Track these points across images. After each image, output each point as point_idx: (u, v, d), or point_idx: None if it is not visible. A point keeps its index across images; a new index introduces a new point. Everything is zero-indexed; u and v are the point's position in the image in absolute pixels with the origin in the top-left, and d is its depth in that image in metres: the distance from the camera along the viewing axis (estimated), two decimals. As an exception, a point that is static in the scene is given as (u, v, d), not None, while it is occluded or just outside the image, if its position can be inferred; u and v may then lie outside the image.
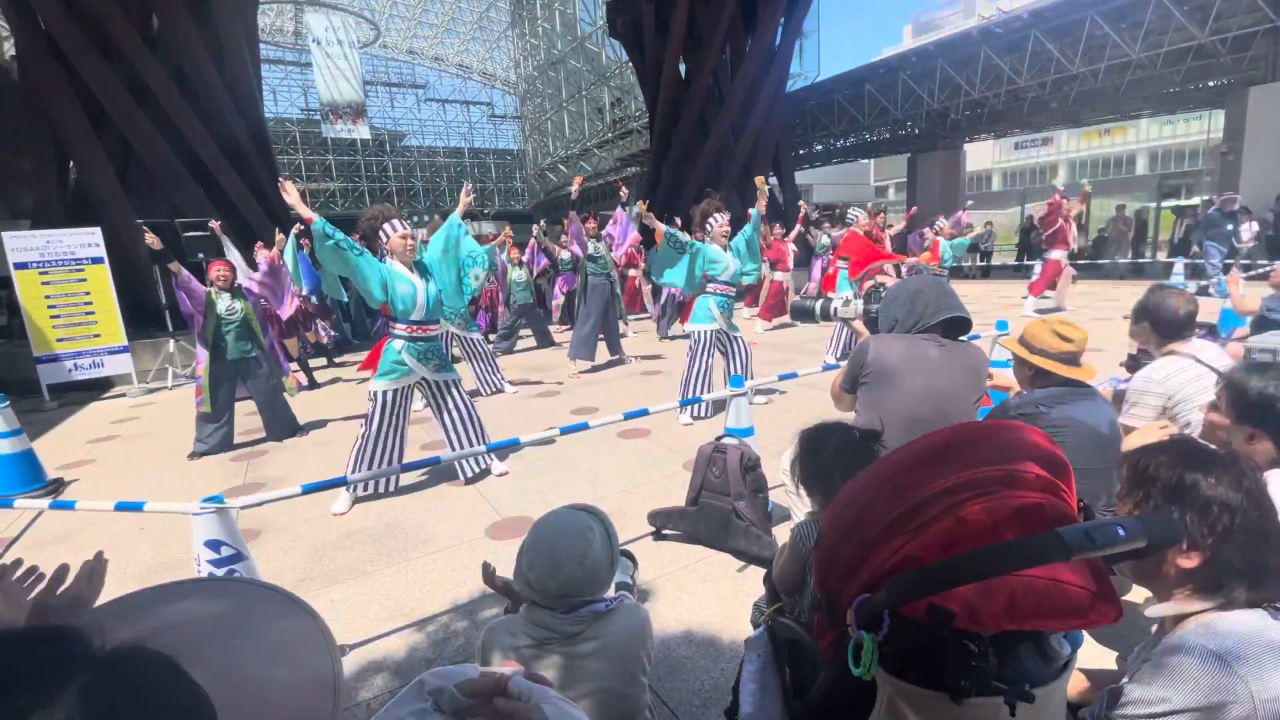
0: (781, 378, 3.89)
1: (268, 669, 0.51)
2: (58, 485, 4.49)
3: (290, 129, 32.97)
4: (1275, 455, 1.42)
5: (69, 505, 2.22)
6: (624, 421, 3.61)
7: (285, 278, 6.54)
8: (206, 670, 0.43)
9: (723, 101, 15.62)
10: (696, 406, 4.92)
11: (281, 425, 5.25)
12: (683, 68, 16.11)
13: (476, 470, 4.02)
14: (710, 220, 4.90)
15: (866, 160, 32.61)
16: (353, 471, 3.62)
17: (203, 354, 4.90)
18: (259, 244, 7.20)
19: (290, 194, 3.33)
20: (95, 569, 1.41)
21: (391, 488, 3.90)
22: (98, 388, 7.89)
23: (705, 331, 4.88)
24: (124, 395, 7.63)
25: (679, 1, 14.77)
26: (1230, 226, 9.53)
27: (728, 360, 5.04)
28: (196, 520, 2.01)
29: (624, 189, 7.71)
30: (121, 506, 2.05)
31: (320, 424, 5.63)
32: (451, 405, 3.90)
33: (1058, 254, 8.94)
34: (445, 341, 5.99)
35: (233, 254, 6.22)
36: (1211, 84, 14.03)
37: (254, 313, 5.17)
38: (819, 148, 22.38)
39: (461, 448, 3.83)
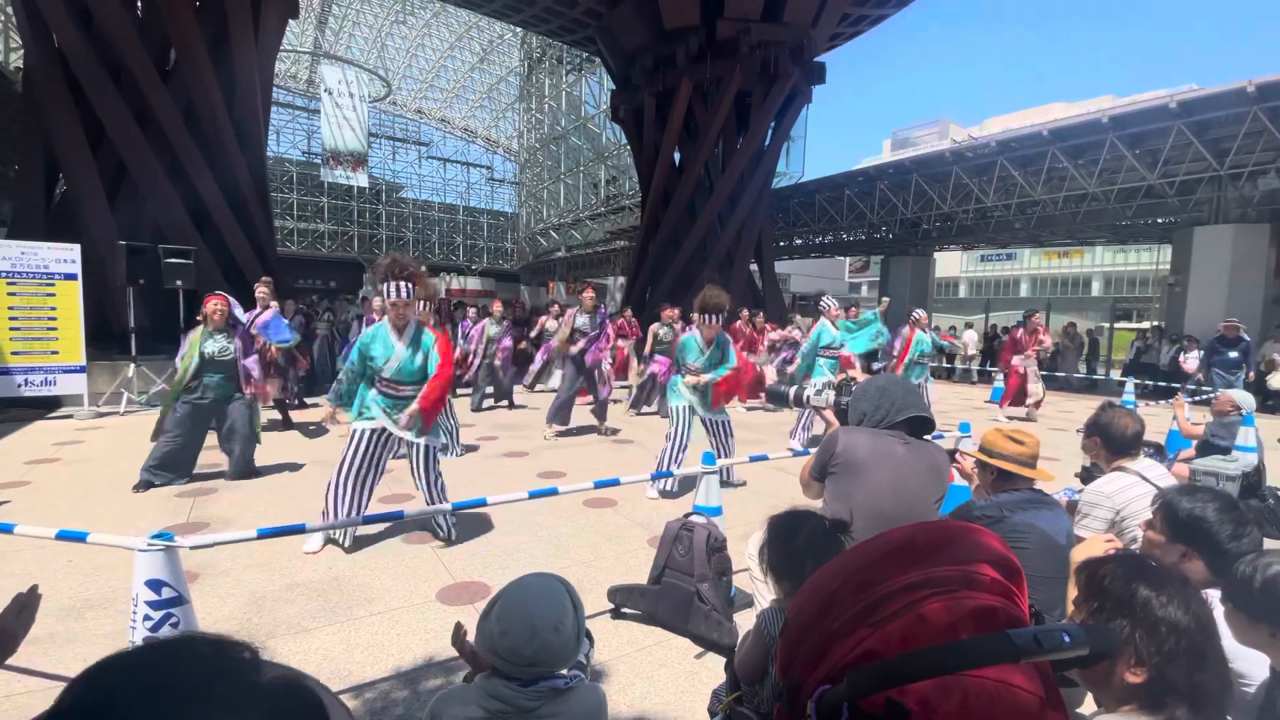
0: (753, 459, 3.93)
1: None
2: (-13, 506, 4.22)
3: (289, 168, 33.48)
4: (1207, 575, 1.48)
5: (7, 529, 2.08)
6: (592, 490, 3.58)
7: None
8: None
9: (712, 191, 16.49)
10: (665, 482, 4.88)
11: (241, 467, 5.02)
12: (677, 156, 17.10)
13: (450, 530, 3.88)
14: (705, 316, 4.89)
15: (843, 258, 34.39)
16: (332, 507, 3.65)
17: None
18: (264, 280, 7.07)
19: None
20: (27, 604, 1.31)
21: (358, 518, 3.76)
22: (46, 406, 7.55)
23: (682, 408, 4.95)
24: (71, 416, 7.31)
25: (679, 97, 15.88)
26: (1233, 354, 9.05)
27: (709, 438, 5.03)
28: (141, 557, 1.90)
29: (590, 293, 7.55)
30: (64, 535, 1.94)
31: (275, 468, 5.41)
32: (423, 467, 3.83)
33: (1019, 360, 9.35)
34: (450, 413, 5.81)
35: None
36: (1160, 221, 15.28)
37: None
38: (799, 241, 23.52)
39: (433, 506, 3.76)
